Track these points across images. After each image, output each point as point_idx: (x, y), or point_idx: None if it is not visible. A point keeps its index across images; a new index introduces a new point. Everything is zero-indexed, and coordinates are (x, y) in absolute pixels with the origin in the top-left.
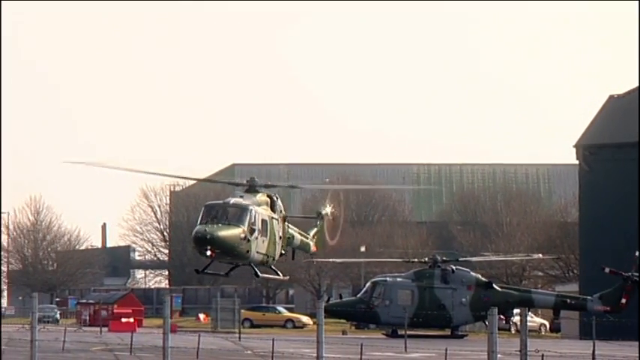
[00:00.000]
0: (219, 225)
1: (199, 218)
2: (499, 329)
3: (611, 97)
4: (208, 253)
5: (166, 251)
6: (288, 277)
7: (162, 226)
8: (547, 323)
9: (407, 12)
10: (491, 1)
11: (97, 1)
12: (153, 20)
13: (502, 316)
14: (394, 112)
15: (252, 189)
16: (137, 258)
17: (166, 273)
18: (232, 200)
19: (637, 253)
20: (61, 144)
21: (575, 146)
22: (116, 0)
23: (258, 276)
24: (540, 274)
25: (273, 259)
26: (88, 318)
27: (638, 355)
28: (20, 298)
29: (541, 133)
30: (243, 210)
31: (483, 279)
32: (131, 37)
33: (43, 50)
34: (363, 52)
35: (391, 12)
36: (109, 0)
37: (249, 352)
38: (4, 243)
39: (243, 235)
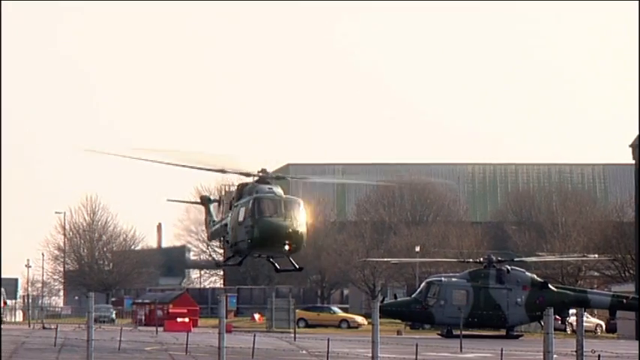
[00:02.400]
0: (290, 219)
1: (252, 212)
2: (554, 330)
3: None
4: (287, 247)
5: (221, 251)
6: (301, 268)
7: None
8: (603, 324)
9: (476, 9)
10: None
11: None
12: (212, 16)
13: (558, 317)
14: (451, 112)
15: (264, 180)
16: (192, 258)
17: (221, 273)
18: (278, 191)
19: None
20: (119, 142)
21: (631, 146)
22: None
23: (278, 270)
24: (596, 274)
25: None
26: (143, 318)
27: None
28: (76, 297)
29: (597, 133)
30: (298, 204)
31: (539, 279)
32: (188, 33)
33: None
34: (422, 49)
35: (456, 7)
36: None
37: (304, 352)
38: (61, 243)
39: (306, 229)
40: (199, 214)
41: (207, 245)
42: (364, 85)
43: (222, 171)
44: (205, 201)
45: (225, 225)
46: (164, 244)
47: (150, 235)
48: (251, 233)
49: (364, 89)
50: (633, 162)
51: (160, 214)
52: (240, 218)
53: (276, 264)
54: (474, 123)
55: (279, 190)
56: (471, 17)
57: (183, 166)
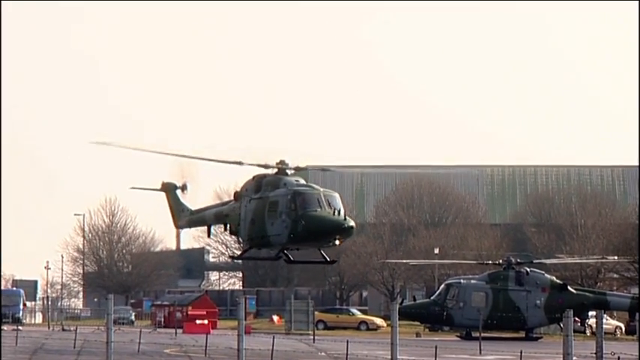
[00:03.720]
0: (339, 213)
1: (292, 205)
2: (574, 331)
3: None
4: (337, 242)
5: (239, 252)
6: (335, 261)
7: None
8: (623, 326)
9: (488, 10)
10: (574, 1)
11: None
12: (240, 20)
13: (577, 319)
14: (469, 114)
15: (283, 172)
16: (211, 260)
17: (240, 275)
18: (320, 188)
19: None
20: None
21: None
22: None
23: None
24: (616, 276)
25: None
26: (162, 320)
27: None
28: (95, 299)
29: (616, 135)
30: (338, 197)
31: (558, 281)
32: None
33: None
34: (443, 52)
35: (471, 9)
36: None
37: (323, 354)
38: (80, 245)
39: None
40: None
41: (226, 247)
42: (383, 87)
43: (240, 163)
44: (170, 188)
45: (225, 215)
46: (183, 246)
47: (169, 236)
48: (293, 227)
49: (383, 91)
50: None
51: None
52: (272, 211)
53: (326, 255)
54: (493, 125)
55: (312, 185)
56: (492, 19)
57: (200, 158)
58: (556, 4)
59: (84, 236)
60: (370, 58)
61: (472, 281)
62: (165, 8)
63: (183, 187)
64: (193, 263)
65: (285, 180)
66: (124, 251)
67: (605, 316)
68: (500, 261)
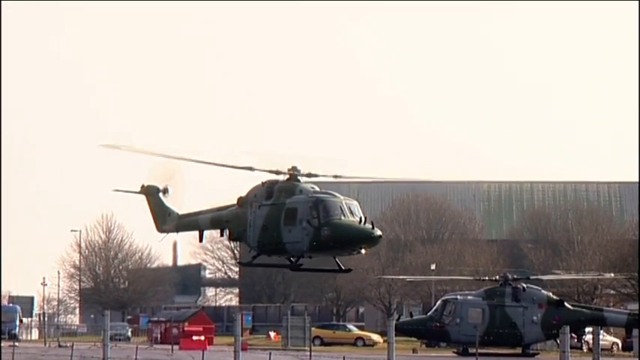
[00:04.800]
0: (367, 222)
1: (315, 213)
2: (571, 348)
3: None
4: (363, 251)
5: (237, 269)
6: (350, 270)
7: (232, 244)
8: (619, 342)
9: (484, 30)
10: (566, 17)
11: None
12: (226, 19)
13: (574, 335)
14: (466, 130)
15: (295, 178)
16: (208, 276)
17: (237, 291)
18: (340, 195)
19: None
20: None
21: None
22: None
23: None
24: (612, 292)
25: None
26: (159, 336)
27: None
28: (92, 315)
29: (612, 151)
30: (359, 206)
31: (554, 297)
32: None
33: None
34: (438, 68)
35: (475, 28)
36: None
37: None
38: (77, 261)
39: None
40: (215, 232)
41: (223, 263)
42: (380, 103)
43: (250, 169)
44: (153, 192)
45: (225, 221)
46: (180, 262)
47: (165, 253)
48: (315, 235)
49: (380, 108)
50: None
51: (158, 237)
52: (290, 218)
53: (341, 264)
54: (489, 141)
55: (332, 192)
56: (489, 36)
57: (210, 163)
58: (551, 20)
59: (80, 252)
60: (366, 76)
61: (469, 297)
62: (176, 12)
63: (165, 191)
64: (190, 279)
65: (300, 187)
66: (120, 267)
67: (601, 332)
68: (497, 277)
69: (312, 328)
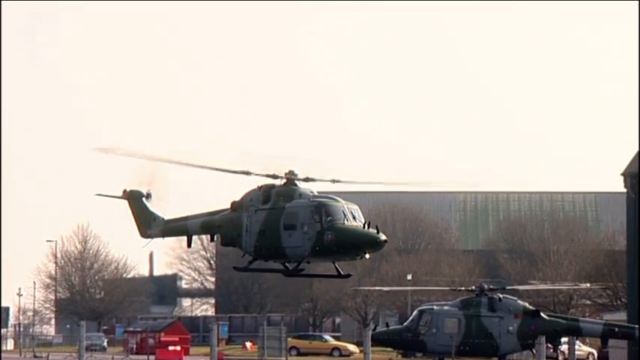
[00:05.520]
0: (370, 227)
1: (317, 217)
2: (546, 358)
3: None
4: (367, 255)
5: (213, 279)
6: (349, 275)
7: (208, 255)
8: (595, 352)
9: (466, 42)
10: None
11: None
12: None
13: (549, 345)
14: (441, 142)
15: (293, 182)
16: (184, 286)
17: (213, 301)
18: (341, 199)
19: None
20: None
21: (623, 174)
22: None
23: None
24: (588, 302)
25: None
26: (135, 346)
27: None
28: (68, 326)
29: (588, 161)
30: (360, 211)
31: (530, 307)
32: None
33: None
34: (414, 81)
35: (447, 41)
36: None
37: None
38: (52, 271)
39: None
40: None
41: (199, 273)
42: (356, 114)
43: (247, 173)
44: (136, 196)
45: (218, 226)
46: (156, 273)
47: (141, 263)
48: (318, 239)
49: (355, 118)
50: (625, 190)
51: (151, 242)
52: (290, 222)
53: (340, 269)
54: (465, 151)
55: (333, 196)
56: (464, 47)
57: (204, 167)
58: (525, 30)
59: (56, 263)
60: (344, 86)
61: (445, 307)
62: (172, 13)
63: (148, 195)
64: (166, 289)
65: (300, 191)
66: (96, 277)
67: (577, 342)
68: (473, 287)
69: (289, 339)
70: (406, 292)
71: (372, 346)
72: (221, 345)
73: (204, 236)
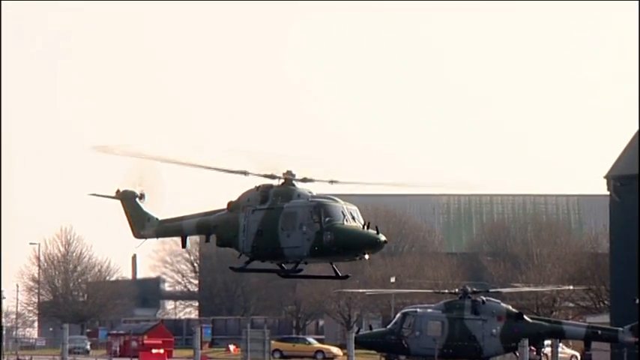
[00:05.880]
0: (370, 227)
1: (316, 217)
2: None
3: None
4: (367, 256)
5: (196, 282)
6: (347, 276)
7: (192, 257)
8: (578, 354)
9: (453, 45)
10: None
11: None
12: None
13: (533, 347)
14: (426, 145)
15: (290, 182)
16: (167, 289)
17: (196, 304)
18: (340, 200)
19: None
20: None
21: (606, 177)
22: None
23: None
24: (571, 305)
25: None
26: (118, 349)
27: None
28: (51, 329)
29: (571, 164)
30: (359, 212)
31: (514, 310)
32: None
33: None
34: (390, 87)
35: (434, 43)
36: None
37: None
38: (35, 274)
39: None
40: (175, 246)
41: (182, 276)
42: (340, 117)
43: (245, 173)
44: (129, 197)
45: (214, 226)
46: (139, 275)
47: (125, 266)
48: (317, 239)
49: (337, 119)
50: (608, 193)
51: (134, 245)
52: (288, 222)
53: (337, 270)
54: (449, 154)
55: (331, 196)
56: (444, 49)
57: (202, 167)
58: (501, 30)
59: (39, 265)
60: (327, 89)
61: (428, 310)
62: (166, 11)
63: (142, 196)
64: (149, 292)
65: (298, 191)
66: (79, 280)
67: (560, 345)
68: (457, 290)
69: (272, 341)
70: (390, 294)
71: (355, 348)
72: (204, 348)
73: (187, 239)
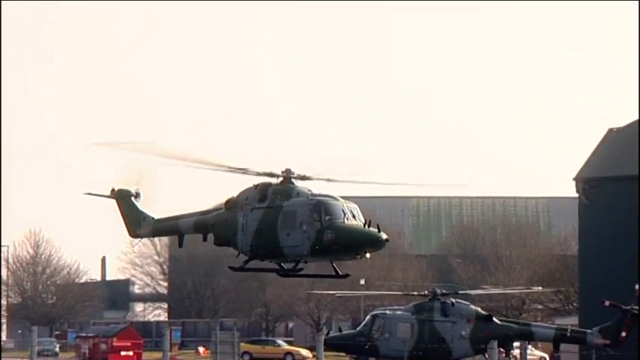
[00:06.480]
0: (371, 226)
1: (317, 216)
2: None
3: (610, 131)
4: (368, 255)
5: (165, 284)
6: (347, 275)
7: (161, 259)
8: (547, 356)
9: (402, 45)
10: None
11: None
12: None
13: (502, 349)
14: (395, 146)
15: (289, 180)
16: (136, 291)
17: (165, 306)
18: (340, 198)
19: (636, 286)
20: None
21: (575, 179)
22: None
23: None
24: (540, 307)
25: None
26: (87, 351)
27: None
28: (19, 331)
29: (540, 166)
30: (359, 210)
31: (483, 312)
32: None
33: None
34: (359, 89)
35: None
36: None
37: None
38: (4, 276)
39: None
40: (144, 247)
41: (152, 278)
42: (303, 120)
43: (245, 171)
44: (125, 195)
45: (211, 225)
46: (108, 278)
47: (94, 268)
48: (317, 238)
49: (304, 124)
50: (577, 195)
51: (104, 247)
52: (288, 221)
53: (337, 269)
54: (419, 157)
55: (331, 194)
56: (414, 47)
57: (200, 167)
58: (466, 30)
59: (8, 267)
60: (289, 90)
61: (398, 312)
62: (163, 9)
63: (136, 195)
64: (118, 294)
65: (298, 189)
66: (48, 282)
67: (529, 347)
68: (426, 292)
69: (241, 344)
70: (359, 296)
71: (324, 350)
72: (174, 350)
73: (157, 241)
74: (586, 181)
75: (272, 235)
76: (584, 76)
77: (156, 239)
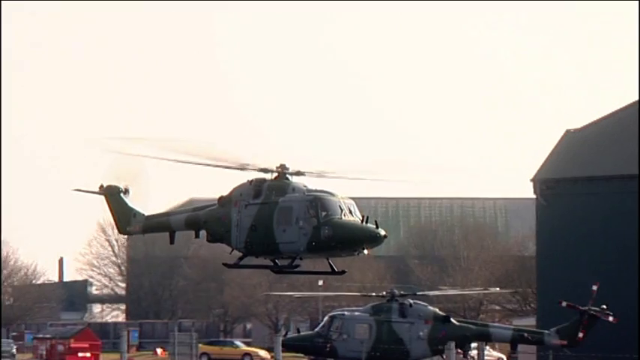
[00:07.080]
0: (369, 222)
1: (314, 212)
2: None
3: (567, 132)
4: (366, 252)
5: (123, 285)
6: (343, 271)
7: (119, 260)
8: (504, 357)
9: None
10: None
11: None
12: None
13: (459, 350)
14: (353, 146)
15: (284, 175)
16: (94, 292)
17: (123, 307)
18: (337, 193)
19: (594, 287)
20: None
21: (532, 180)
22: None
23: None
24: (497, 307)
25: None
26: (44, 353)
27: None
28: None
29: (498, 168)
30: (356, 206)
31: (441, 313)
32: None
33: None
34: (323, 86)
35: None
36: None
37: None
38: None
39: None
40: (101, 249)
41: (110, 279)
42: (262, 120)
43: (242, 168)
44: (114, 192)
45: (204, 222)
46: (66, 279)
47: (51, 269)
48: (314, 234)
49: (259, 122)
50: (534, 196)
51: (61, 248)
52: (284, 217)
53: (334, 266)
54: (377, 157)
55: (328, 190)
56: (373, 53)
57: (199, 163)
58: (435, 34)
59: None
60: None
61: (356, 313)
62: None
63: (125, 191)
64: (76, 295)
65: (293, 185)
66: (5, 284)
67: (487, 347)
68: (384, 293)
69: (200, 345)
70: (317, 297)
71: (282, 352)
72: (131, 351)
73: (114, 242)
74: (543, 182)
75: (267, 232)
76: (543, 78)
77: (112, 239)
